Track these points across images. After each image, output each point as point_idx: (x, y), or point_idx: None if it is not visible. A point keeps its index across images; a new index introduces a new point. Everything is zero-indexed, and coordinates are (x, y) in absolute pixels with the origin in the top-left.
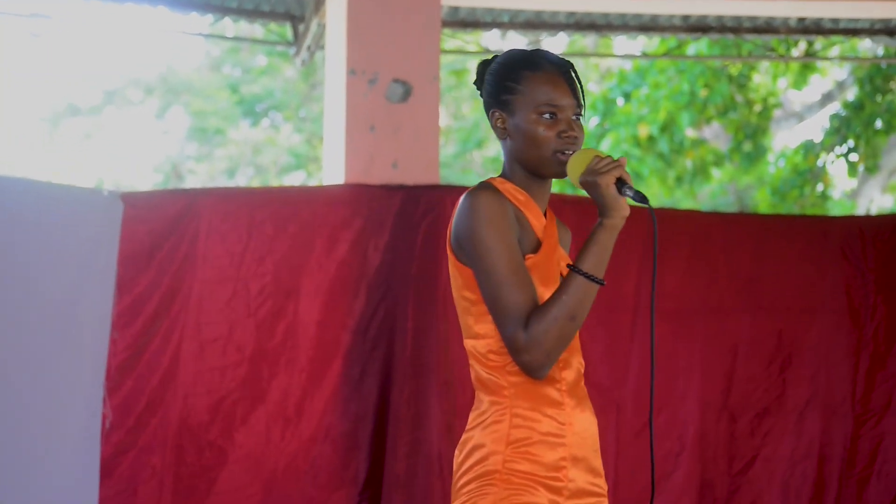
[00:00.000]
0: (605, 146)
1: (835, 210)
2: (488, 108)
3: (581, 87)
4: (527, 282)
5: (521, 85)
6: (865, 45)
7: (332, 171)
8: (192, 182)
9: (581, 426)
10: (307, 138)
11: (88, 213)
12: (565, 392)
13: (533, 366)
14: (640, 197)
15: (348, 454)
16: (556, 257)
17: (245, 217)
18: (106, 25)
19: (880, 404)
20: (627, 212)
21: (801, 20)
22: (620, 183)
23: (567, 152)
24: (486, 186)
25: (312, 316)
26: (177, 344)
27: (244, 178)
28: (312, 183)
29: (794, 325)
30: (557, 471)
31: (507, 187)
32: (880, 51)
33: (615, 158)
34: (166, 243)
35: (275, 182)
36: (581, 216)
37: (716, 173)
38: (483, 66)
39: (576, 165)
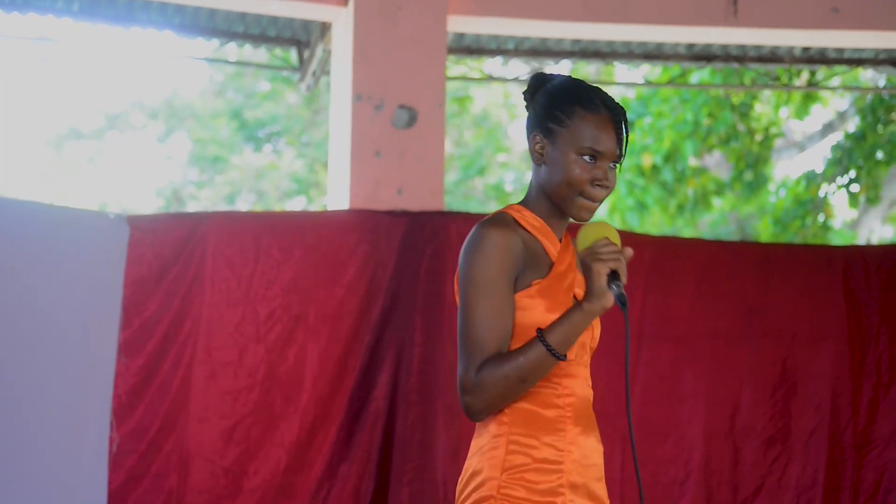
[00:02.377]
0: None
1: (836, 240)
2: (531, 128)
3: (628, 136)
4: (501, 328)
5: (571, 119)
6: (867, 76)
7: (336, 196)
8: (193, 207)
9: (582, 453)
10: (309, 164)
11: (94, 235)
12: (568, 419)
13: (471, 409)
14: (622, 300)
15: (355, 478)
16: (568, 282)
17: (251, 241)
18: (112, 50)
19: (884, 434)
20: (610, 304)
21: (806, 49)
22: (613, 275)
23: (592, 201)
24: (497, 220)
25: (319, 342)
26: (187, 368)
27: (246, 204)
28: (314, 208)
29: (798, 354)
30: (554, 497)
31: (525, 214)
32: (882, 81)
33: (620, 249)
34: (174, 267)
35: (277, 207)
36: None
37: (717, 202)
38: (538, 82)
39: (585, 236)
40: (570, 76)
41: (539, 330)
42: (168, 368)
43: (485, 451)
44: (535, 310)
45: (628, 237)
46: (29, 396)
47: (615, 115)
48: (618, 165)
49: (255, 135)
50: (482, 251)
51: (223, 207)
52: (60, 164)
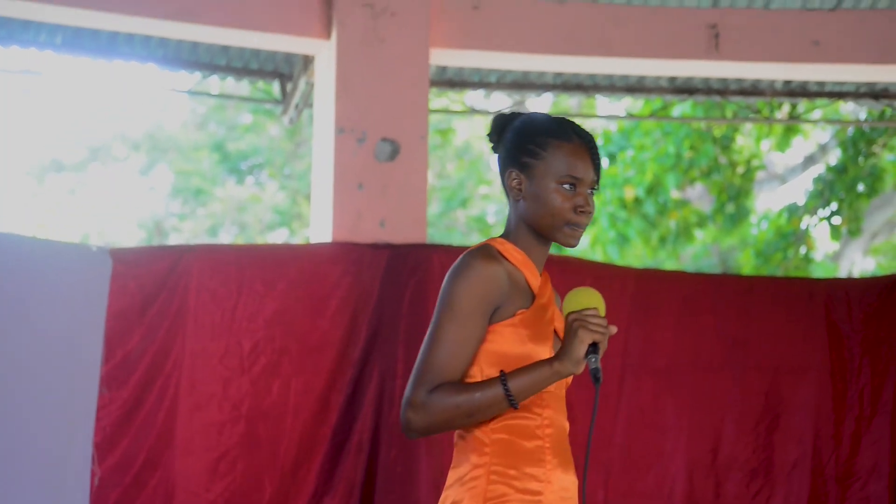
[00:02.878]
0: None
1: (817, 272)
2: (505, 166)
3: (599, 162)
4: (463, 358)
5: (546, 151)
6: (848, 108)
7: (319, 228)
8: (176, 239)
9: (561, 485)
10: (291, 196)
11: (77, 268)
12: (548, 450)
13: (411, 426)
14: (595, 376)
15: None
16: (549, 315)
17: (234, 274)
18: (95, 82)
19: (866, 466)
20: (579, 372)
21: (787, 83)
22: (594, 347)
23: (579, 227)
24: (484, 250)
25: (304, 374)
26: (172, 401)
27: (228, 236)
28: (297, 240)
29: (780, 386)
30: None
31: (507, 248)
32: (863, 114)
33: (607, 326)
34: (157, 299)
35: (259, 240)
36: (570, 275)
37: (699, 235)
38: (502, 122)
39: (575, 301)
40: (535, 112)
41: (503, 373)
42: (152, 401)
43: (465, 481)
44: (517, 338)
45: (611, 270)
46: (8, 429)
47: (588, 143)
48: (594, 191)
49: (238, 167)
50: (465, 279)
51: (205, 240)
52: (42, 196)
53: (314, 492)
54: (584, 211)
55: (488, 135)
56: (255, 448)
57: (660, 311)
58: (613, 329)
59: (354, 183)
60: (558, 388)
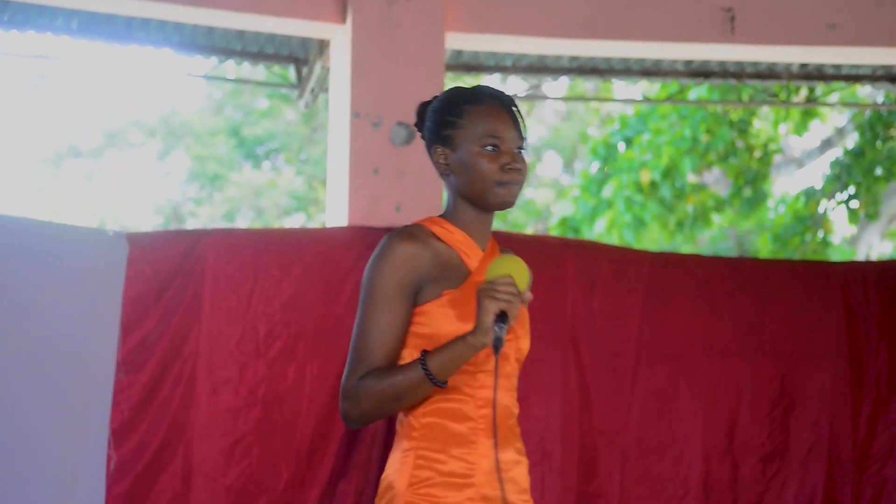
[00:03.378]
0: (608, 192)
1: (835, 256)
2: (430, 145)
3: (523, 121)
4: (391, 341)
5: (463, 119)
6: (865, 92)
7: (335, 213)
8: (192, 224)
9: (495, 465)
10: (308, 181)
11: (93, 253)
12: (480, 431)
13: (346, 415)
14: (497, 343)
15: (354, 495)
16: None
17: (251, 258)
18: (110, 67)
19: (883, 451)
20: (489, 342)
21: (804, 66)
22: (502, 317)
23: (511, 184)
24: (405, 232)
25: (320, 359)
26: (188, 385)
27: (245, 221)
28: (313, 225)
29: (796, 370)
30: None
31: (445, 227)
32: (880, 97)
33: (518, 292)
34: (173, 284)
35: (276, 225)
36: (585, 260)
37: (716, 219)
38: (423, 107)
39: (493, 269)
40: (451, 87)
41: (423, 352)
42: (169, 386)
43: (395, 464)
44: (445, 319)
45: (626, 254)
46: (24, 414)
47: (505, 103)
48: (522, 150)
49: (254, 152)
50: (384, 263)
51: (222, 225)
52: (59, 182)
53: (329, 477)
54: (511, 168)
55: (415, 124)
56: (271, 433)
57: (675, 296)
58: (528, 296)
59: (370, 168)
60: (502, 366)
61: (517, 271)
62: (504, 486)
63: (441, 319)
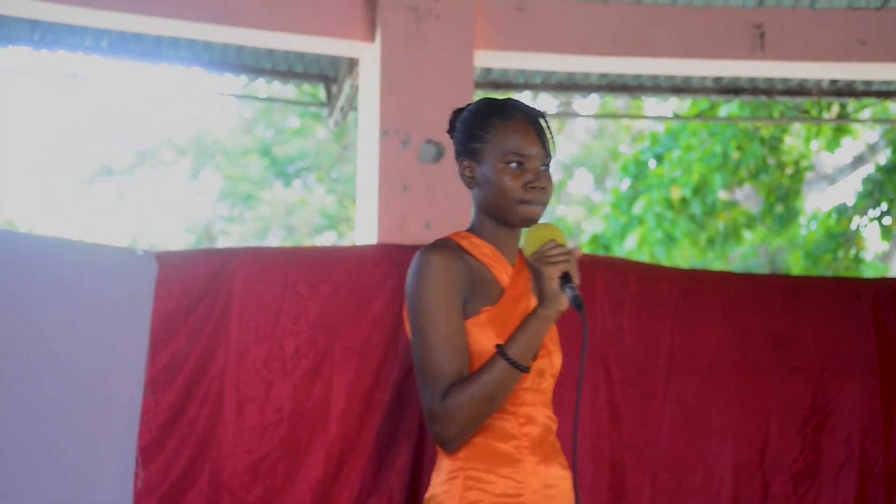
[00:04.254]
0: (638, 209)
1: (867, 273)
2: (457, 156)
3: (552, 137)
4: (457, 351)
5: (489, 133)
6: None
7: (364, 230)
8: (224, 243)
9: (544, 482)
10: (339, 199)
11: (123, 272)
12: (525, 449)
13: (443, 438)
14: (577, 302)
15: None
16: (521, 308)
17: (279, 277)
18: (141, 86)
19: None
20: (564, 307)
21: (834, 82)
22: (566, 278)
23: (532, 204)
24: (439, 245)
25: (347, 376)
26: (215, 404)
27: (276, 239)
28: (344, 243)
29: (828, 386)
30: None
31: (472, 242)
32: None
33: (569, 248)
34: (202, 303)
35: (307, 243)
36: (614, 277)
37: (747, 235)
38: (455, 115)
39: (532, 240)
40: (483, 98)
41: (498, 345)
42: (196, 405)
43: (442, 485)
44: (484, 336)
45: (656, 271)
46: (51, 431)
47: (532, 118)
48: (548, 167)
49: (285, 170)
50: (426, 277)
51: (253, 243)
52: (91, 201)
53: (358, 494)
54: (534, 186)
55: (447, 131)
56: (297, 451)
57: (704, 312)
58: (578, 252)
59: (399, 185)
60: (537, 384)
61: (555, 234)
62: (552, 501)
63: (479, 338)
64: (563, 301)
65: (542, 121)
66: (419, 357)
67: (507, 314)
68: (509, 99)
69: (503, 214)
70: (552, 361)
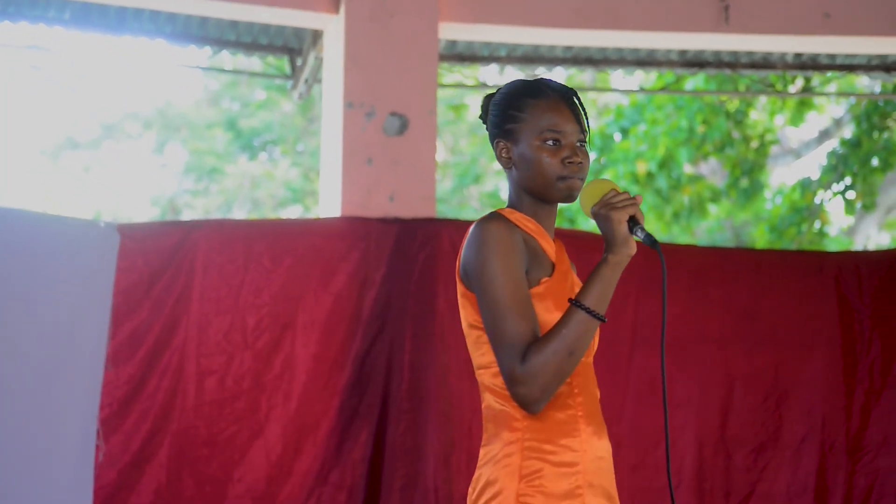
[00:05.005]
0: None
1: (832, 247)
2: (493, 138)
3: (585, 114)
4: (529, 313)
5: (524, 113)
6: (863, 82)
7: (328, 203)
8: (189, 216)
9: (596, 453)
10: (304, 172)
11: (85, 244)
12: (581, 418)
13: (528, 399)
14: (651, 240)
15: (347, 485)
16: (569, 282)
17: (242, 249)
18: (105, 58)
19: (876, 441)
20: (634, 251)
21: (798, 56)
22: (633, 222)
23: (572, 178)
24: (495, 216)
25: (309, 349)
26: (176, 376)
27: (241, 213)
28: (310, 217)
29: (790, 360)
30: (574, 499)
31: (517, 216)
32: (877, 88)
33: (632, 196)
34: (164, 275)
35: (272, 216)
36: (579, 250)
37: (713, 209)
38: (488, 99)
39: (589, 195)
40: (514, 80)
41: (572, 300)
42: (157, 377)
43: (498, 458)
44: (544, 308)
45: None
46: (12, 405)
47: (565, 95)
48: (584, 143)
49: (250, 144)
50: (490, 244)
51: (218, 216)
52: (57, 174)
53: (320, 467)
54: (572, 161)
55: (480, 117)
56: (257, 424)
57: (668, 285)
58: (639, 198)
59: (363, 157)
60: (586, 356)
61: (612, 185)
62: (602, 473)
63: (538, 307)
64: (633, 244)
65: (575, 98)
66: (492, 324)
67: (561, 287)
68: (541, 79)
69: (543, 192)
70: (596, 333)
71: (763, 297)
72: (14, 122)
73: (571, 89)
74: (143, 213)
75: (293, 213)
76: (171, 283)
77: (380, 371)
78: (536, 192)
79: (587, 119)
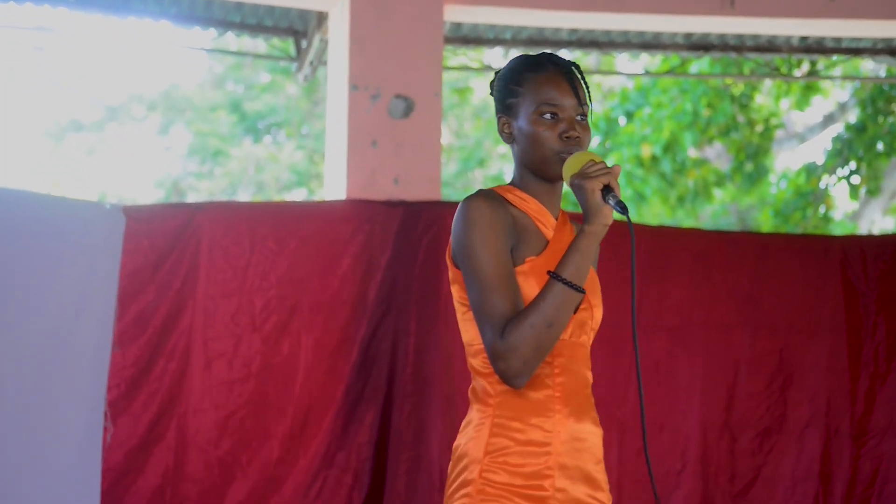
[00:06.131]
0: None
1: (836, 232)
2: (497, 114)
3: (587, 87)
4: (510, 289)
5: (523, 87)
6: (868, 67)
7: (333, 186)
8: (193, 199)
9: (574, 435)
10: (309, 155)
11: (90, 225)
12: (558, 398)
13: (509, 374)
14: (622, 207)
15: (352, 468)
16: None
17: (247, 232)
18: (109, 39)
19: (880, 425)
20: (609, 220)
21: (804, 39)
22: (607, 190)
23: (569, 153)
24: (479, 193)
25: (314, 332)
26: (183, 358)
27: (246, 195)
28: (314, 199)
29: (794, 344)
30: (541, 479)
31: (516, 193)
32: (882, 72)
33: (610, 166)
34: (169, 257)
35: (276, 199)
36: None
37: (717, 193)
38: (495, 75)
39: (570, 167)
40: (519, 55)
41: (551, 273)
42: (164, 359)
43: (470, 432)
44: (527, 286)
45: (624, 227)
46: (20, 386)
47: (564, 69)
48: (585, 117)
49: (255, 126)
50: (473, 220)
51: (223, 199)
52: (60, 156)
53: (326, 449)
54: (569, 136)
55: (491, 93)
56: (265, 406)
57: (673, 269)
58: (618, 168)
59: (368, 140)
60: (576, 336)
61: (592, 156)
62: (581, 455)
63: (523, 286)
64: (608, 213)
65: (576, 71)
66: (475, 300)
67: (551, 266)
68: (544, 53)
69: (541, 166)
70: (593, 315)
71: (768, 281)
72: (18, 104)
73: (573, 63)
74: (147, 195)
75: (297, 196)
76: (176, 265)
77: (385, 354)
78: (535, 167)
79: (589, 93)
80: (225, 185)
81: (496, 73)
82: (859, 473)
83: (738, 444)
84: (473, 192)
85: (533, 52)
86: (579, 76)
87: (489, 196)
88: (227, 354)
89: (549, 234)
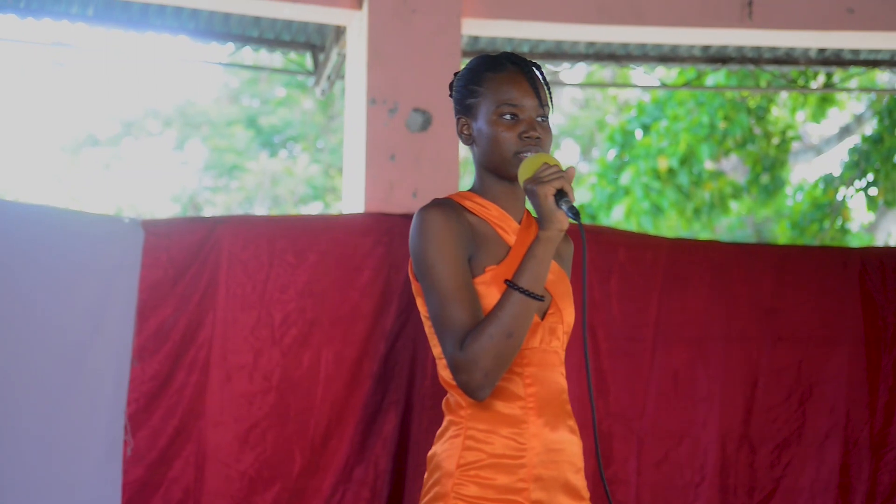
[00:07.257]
0: (625, 179)
1: (854, 244)
2: (456, 115)
3: (547, 87)
4: (468, 300)
5: (482, 87)
6: (884, 78)
7: (351, 199)
8: (209, 213)
9: (549, 446)
10: (325, 169)
11: (109, 240)
12: (531, 409)
13: (471, 386)
14: (574, 213)
15: (371, 482)
16: None
17: (266, 245)
18: (127, 54)
19: None
20: (565, 225)
21: (822, 51)
22: (560, 195)
23: (528, 154)
24: (433, 203)
25: (335, 345)
26: (203, 372)
27: (262, 210)
28: (331, 213)
29: (813, 356)
30: (515, 493)
31: (474, 200)
32: None
33: (563, 168)
34: (188, 271)
35: (292, 213)
36: (602, 245)
37: (734, 206)
38: (455, 76)
39: (524, 170)
40: (478, 55)
41: (507, 281)
42: (184, 372)
43: (444, 444)
44: (489, 296)
45: (643, 240)
46: (39, 400)
47: (524, 69)
48: (545, 119)
49: (271, 141)
50: (428, 232)
51: (239, 213)
52: (77, 171)
53: (345, 462)
54: (529, 136)
55: (450, 95)
56: (286, 419)
57: (692, 281)
58: (572, 170)
59: (386, 154)
60: (546, 343)
61: (546, 158)
62: (559, 466)
63: (485, 296)
64: (562, 218)
65: (537, 72)
66: (434, 312)
67: (511, 274)
68: (504, 52)
69: (501, 168)
70: (563, 319)
71: (787, 293)
72: (35, 118)
73: (534, 63)
74: (164, 210)
75: (313, 210)
76: (195, 279)
77: (404, 366)
78: (494, 169)
79: (550, 93)
80: (241, 200)
81: (455, 74)
82: (878, 485)
83: (758, 457)
84: (427, 203)
85: (550, 65)
86: (540, 76)
87: (444, 205)
88: (247, 367)
89: (511, 239)
